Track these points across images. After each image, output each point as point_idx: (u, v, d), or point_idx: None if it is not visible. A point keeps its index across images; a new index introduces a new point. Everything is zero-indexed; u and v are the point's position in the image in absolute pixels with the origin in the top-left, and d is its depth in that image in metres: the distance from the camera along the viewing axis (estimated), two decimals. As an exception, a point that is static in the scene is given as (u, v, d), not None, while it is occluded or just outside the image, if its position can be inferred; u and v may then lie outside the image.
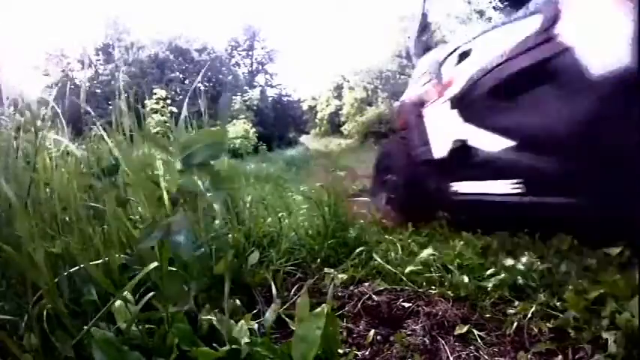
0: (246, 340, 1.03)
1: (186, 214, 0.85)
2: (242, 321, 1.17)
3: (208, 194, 0.85)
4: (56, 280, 0.96)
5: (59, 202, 1.10)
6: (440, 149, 2.77)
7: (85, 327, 0.92)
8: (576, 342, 1.32)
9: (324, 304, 1.03)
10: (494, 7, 9.19)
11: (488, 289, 1.68)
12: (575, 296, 1.46)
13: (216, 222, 0.99)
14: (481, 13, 9.76)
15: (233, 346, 0.97)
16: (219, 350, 0.97)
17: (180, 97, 17.52)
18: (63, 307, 0.96)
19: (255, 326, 1.26)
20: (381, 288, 1.72)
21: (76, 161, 1.25)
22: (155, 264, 0.93)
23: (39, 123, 1.14)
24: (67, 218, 1.11)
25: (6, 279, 0.99)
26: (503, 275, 1.75)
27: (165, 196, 0.90)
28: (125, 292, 0.99)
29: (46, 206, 1.07)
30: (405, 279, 1.78)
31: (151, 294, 0.99)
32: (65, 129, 1.39)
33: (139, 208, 1.26)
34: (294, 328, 1.17)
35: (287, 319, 1.38)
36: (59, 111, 1.35)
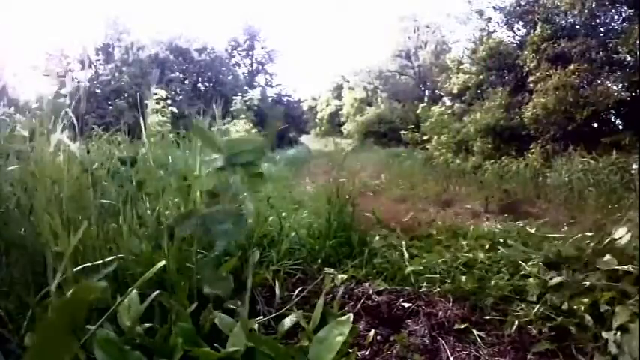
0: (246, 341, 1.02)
1: (226, 207, 0.88)
2: (242, 320, 1.16)
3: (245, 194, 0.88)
4: (63, 276, 0.96)
5: (68, 201, 1.10)
6: None
7: (89, 326, 0.93)
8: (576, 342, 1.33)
9: (349, 314, 1.04)
10: (493, 7, 9.20)
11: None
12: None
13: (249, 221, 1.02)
14: (481, 13, 9.75)
15: (234, 348, 0.97)
16: (220, 351, 0.97)
17: (180, 97, 17.48)
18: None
19: (256, 326, 1.26)
20: (382, 288, 1.72)
21: (83, 160, 1.26)
22: (162, 263, 0.94)
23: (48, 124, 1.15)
24: (79, 217, 1.11)
25: (10, 278, 0.99)
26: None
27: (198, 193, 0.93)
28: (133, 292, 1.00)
29: (55, 204, 1.08)
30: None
31: (156, 292, 1.00)
32: (75, 129, 1.39)
33: (147, 204, 1.27)
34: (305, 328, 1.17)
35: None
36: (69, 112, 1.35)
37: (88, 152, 1.29)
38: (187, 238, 1.26)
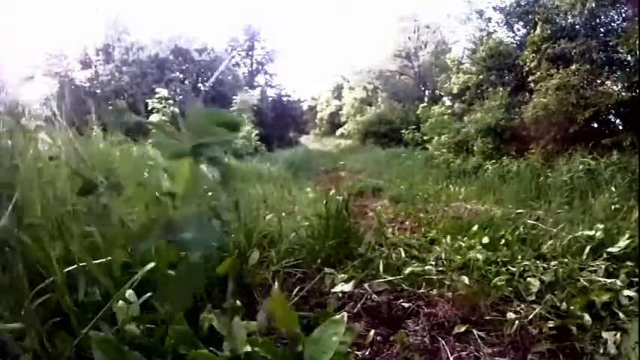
0: (248, 347, 1.01)
1: (194, 210, 0.80)
2: (241, 322, 1.15)
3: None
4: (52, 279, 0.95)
5: (59, 203, 1.10)
6: None
7: (88, 327, 0.92)
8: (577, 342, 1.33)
9: (343, 312, 1.03)
10: (493, 7, 9.18)
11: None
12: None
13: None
14: (480, 13, 9.73)
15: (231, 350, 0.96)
16: (219, 355, 0.96)
17: (181, 97, 17.45)
18: (72, 305, 0.95)
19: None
20: (381, 288, 1.72)
21: (75, 162, 1.25)
22: (152, 264, 0.93)
23: (38, 124, 1.14)
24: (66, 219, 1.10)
25: (7, 279, 0.98)
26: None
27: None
28: (126, 292, 0.99)
29: (47, 207, 1.07)
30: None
31: (148, 294, 0.99)
32: (67, 129, 1.38)
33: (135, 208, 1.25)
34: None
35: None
36: (56, 111, 1.34)
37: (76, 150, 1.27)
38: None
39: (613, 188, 3.87)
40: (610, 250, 2.02)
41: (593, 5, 6.47)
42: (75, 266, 1.00)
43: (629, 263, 1.89)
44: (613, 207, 3.04)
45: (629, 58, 6.31)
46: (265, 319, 1.13)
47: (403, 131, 12.72)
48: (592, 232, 2.24)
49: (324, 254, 2.01)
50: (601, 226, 2.32)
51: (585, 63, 6.44)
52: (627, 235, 2.13)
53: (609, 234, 2.24)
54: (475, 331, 1.41)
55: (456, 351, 1.32)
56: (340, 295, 1.66)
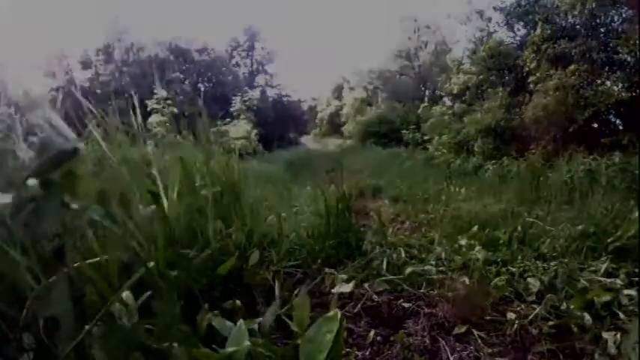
0: (247, 342, 1.01)
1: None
2: (241, 320, 1.16)
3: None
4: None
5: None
6: None
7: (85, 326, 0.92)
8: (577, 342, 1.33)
9: (336, 309, 1.03)
10: (494, 8, 9.18)
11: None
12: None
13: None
14: (481, 13, 9.73)
15: (233, 349, 0.96)
16: (219, 352, 0.97)
17: (181, 97, 17.46)
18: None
19: (256, 326, 1.25)
20: (382, 289, 1.72)
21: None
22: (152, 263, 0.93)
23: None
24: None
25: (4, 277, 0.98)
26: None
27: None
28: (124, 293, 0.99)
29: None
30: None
31: (147, 294, 0.99)
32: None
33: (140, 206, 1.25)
34: (294, 329, 1.17)
35: (287, 320, 1.38)
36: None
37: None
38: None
39: (612, 188, 3.87)
40: (606, 241, 2.04)
41: (593, 5, 6.47)
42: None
43: (629, 263, 1.90)
44: (612, 206, 3.04)
45: (629, 58, 6.32)
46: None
47: (403, 131, 12.74)
48: (588, 229, 2.26)
49: (324, 254, 2.02)
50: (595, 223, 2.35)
51: (585, 63, 6.44)
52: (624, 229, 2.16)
53: (606, 231, 2.25)
54: (475, 332, 1.41)
55: (456, 351, 1.32)
56: (340, 295, 1.66)
